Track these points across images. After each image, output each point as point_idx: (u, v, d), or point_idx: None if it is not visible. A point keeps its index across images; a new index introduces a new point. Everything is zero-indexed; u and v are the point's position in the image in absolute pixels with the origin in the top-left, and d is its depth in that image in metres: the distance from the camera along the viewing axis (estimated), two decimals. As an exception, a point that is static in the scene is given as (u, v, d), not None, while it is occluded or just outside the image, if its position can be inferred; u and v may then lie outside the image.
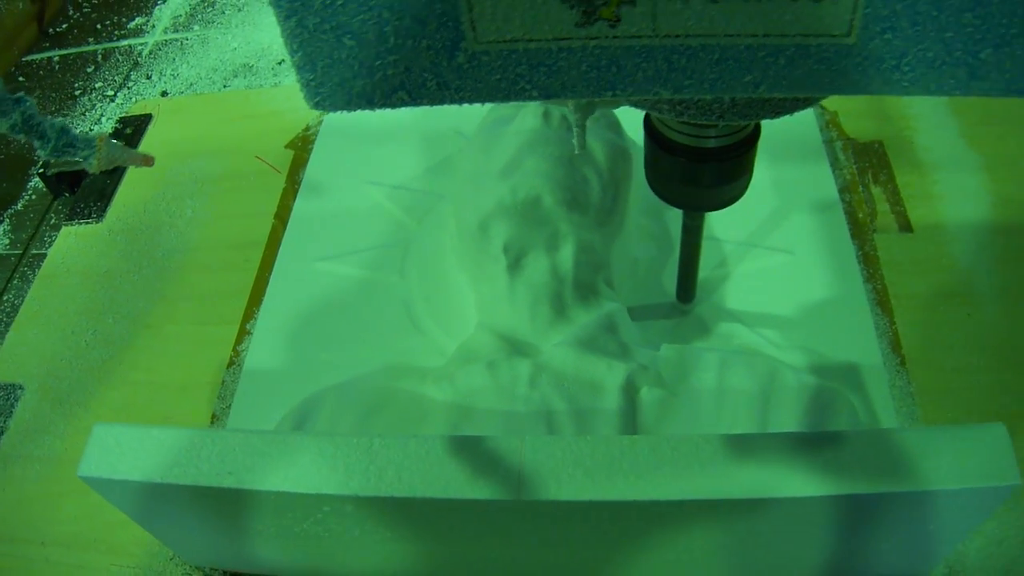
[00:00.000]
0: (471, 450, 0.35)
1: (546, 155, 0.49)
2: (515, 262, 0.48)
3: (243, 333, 0.60)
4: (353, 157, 0.69)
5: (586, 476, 0.34)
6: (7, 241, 0.74)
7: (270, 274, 0.63)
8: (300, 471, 0.36)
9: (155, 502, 0.40)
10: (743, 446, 0.35)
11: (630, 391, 0.44)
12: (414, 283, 0.58)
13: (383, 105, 0.25)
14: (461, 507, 0.35)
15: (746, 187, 0.41)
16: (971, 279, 0.59)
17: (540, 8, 0.21)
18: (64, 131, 0.41)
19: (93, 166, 0.45)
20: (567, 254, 0.48)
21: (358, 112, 0.76)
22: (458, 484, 0.35)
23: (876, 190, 0.66)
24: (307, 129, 0.75)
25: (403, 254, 0.61)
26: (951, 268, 0.60)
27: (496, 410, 0.43)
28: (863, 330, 0.55)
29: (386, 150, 0.69)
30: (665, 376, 0.46)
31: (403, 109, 0.78)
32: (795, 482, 0.34)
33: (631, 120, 0.53)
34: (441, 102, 0.25)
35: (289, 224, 0.65)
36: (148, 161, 0.50)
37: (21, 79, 0.91)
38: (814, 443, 0.35)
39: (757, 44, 0.22)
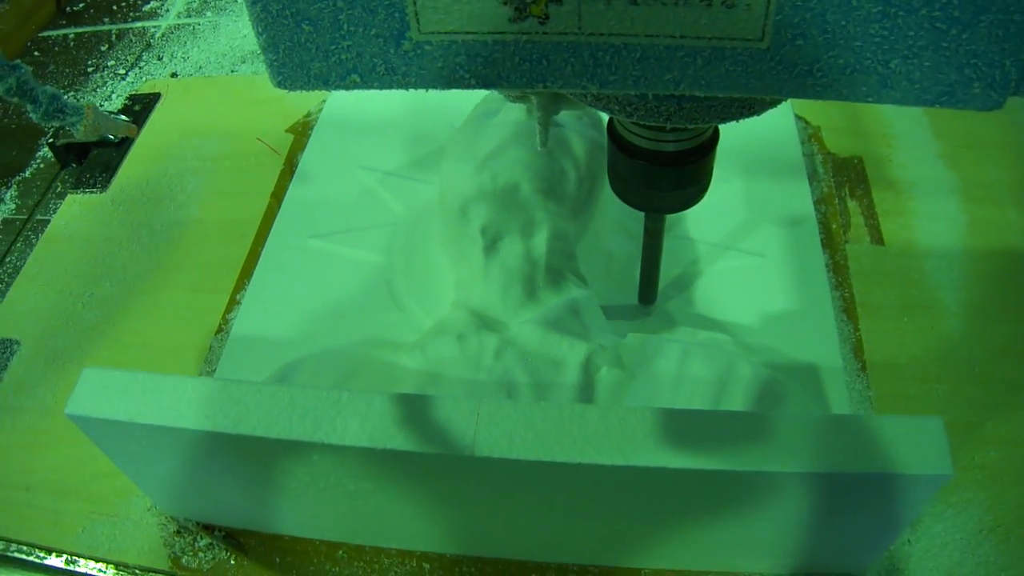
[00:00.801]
0: (432, 408, 0.38)
1: (527, 146, 0.51)
2: (491, 244, 0.51)
3: (233, 303, 0.63)
4: (349, 144, 0.72)
5: (536, 438, 0.37)
6: (14, 206, 0.76)
7: (262, 248, 0.65)
8: (272, 418, 0.38)
9: (135, 444, 0.42)
10: (687, 420, 0.37)
11: (589, 369, 0.46)
12: (398, 263, 0.61)
13: (337, 86, 0.27)
14: (419, 461, 0.38)
15: (703, 192, 0.42)
16: (937, 293, 0.62)
17: (477, 3, 0.24)
18: (55, 98, 0.44)
19: (80, 132, 0.47)
20: (541, 240, 0.51)
21: (356, 103, 0.78)
22: (417, 438, 0.37)
23: (852, 204, 0.68)
24: (308, 115, 0.78)
25: (389, 236, 0.63)
26: (919, 282, 0.63)
27: (462, 378, 0.46)
28: (825, 334, 0.57)
29: (381, 139, 0.72)
30: (626, 361, 0.48)
31: (399, 102, 0.80)
32: (729, 456, 0.36)
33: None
34: (390, 86, 0.27)
35: (284, 203, 0.68)
36: (132, 131, 0.53)
37: (36, 54, 0.94)
38: (754, 422, 0.38)
39: (675, 45, 0.24)
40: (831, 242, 0.65)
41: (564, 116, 0.55)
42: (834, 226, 0.66)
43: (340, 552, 0.50)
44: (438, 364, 0.47)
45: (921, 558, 0.49)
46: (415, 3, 0.24)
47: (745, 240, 0.63)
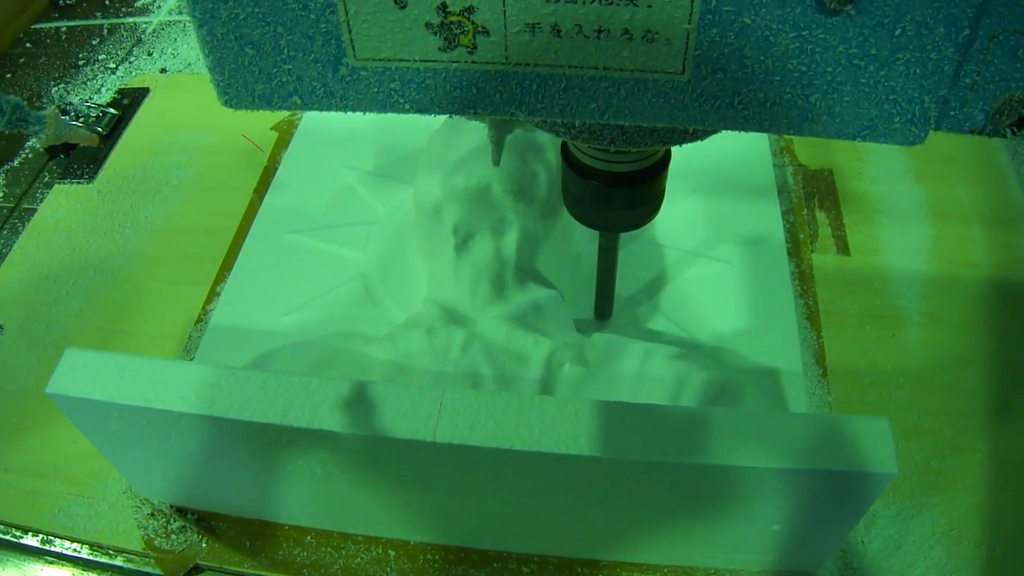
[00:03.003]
0: (398, 396, 0.39)
1: (502, 147, 0.53)
2: (463, 243, 0.52)
3: (213, 294, 0.64)
4: (331, 144, 0.73)
5: (496, 426, 0.38)
6: (1, 195, 0.77)
7: (243, 242, 0.66)
8: (244, 401, 0.40)
9: (114, 424, 0.43)
10: (641, 413, 0.39)
11: (552, 365, 0.48)
12: (374, 260, 0.62)
13: (280, 107, 0.28)
14: (384, 445, 0.39)
15: (655, 212, 0.43)
16: (899, 303, 0.64)
17: (408, 33, 0.25)
18: (19, 107, 0.45)
19: (42, 140, 0.48)
20: (511, 240, 0.52)
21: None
22: (382, 424, 0.38)
23: (820, 215, 0.70)
24: (293, 114, 0.79)
25: (368, 233, 0.65)
26: (882, 292, 0.64)
27: (429, 370, 0.47)
28: (787, 340, 0.59)
29: (362, 140, 0.74)
30: (590, 359, 0.50)
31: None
32: (680, 449, 0.38)
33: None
34: (329, 109, 0.28)
35: (265, 199, 0.69)
36: (93, 140, 0.54)
37: (29, 45, 0.95)
38: (707, 416, 0.39)
39: (599, 76, 0.25)
40: (797, 251, 0.67)
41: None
42: (801, 236, 0.68)
43: (308, 537, 0.52)
44: (407, 356, 0.48)
45: (874, 558, 0.50)
46: (350, 31, 0.25)
47: (713, 248, 0.65)
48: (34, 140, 0.46)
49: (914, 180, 0.73)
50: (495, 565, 0.50)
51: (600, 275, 0.51)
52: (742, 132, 0.27)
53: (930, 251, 0.67)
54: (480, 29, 0.24)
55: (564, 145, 0.41)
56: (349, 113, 0.79)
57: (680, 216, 0.66)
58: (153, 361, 0.42)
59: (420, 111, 0.27)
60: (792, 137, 0.76)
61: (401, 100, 0.27)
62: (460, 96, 0.26)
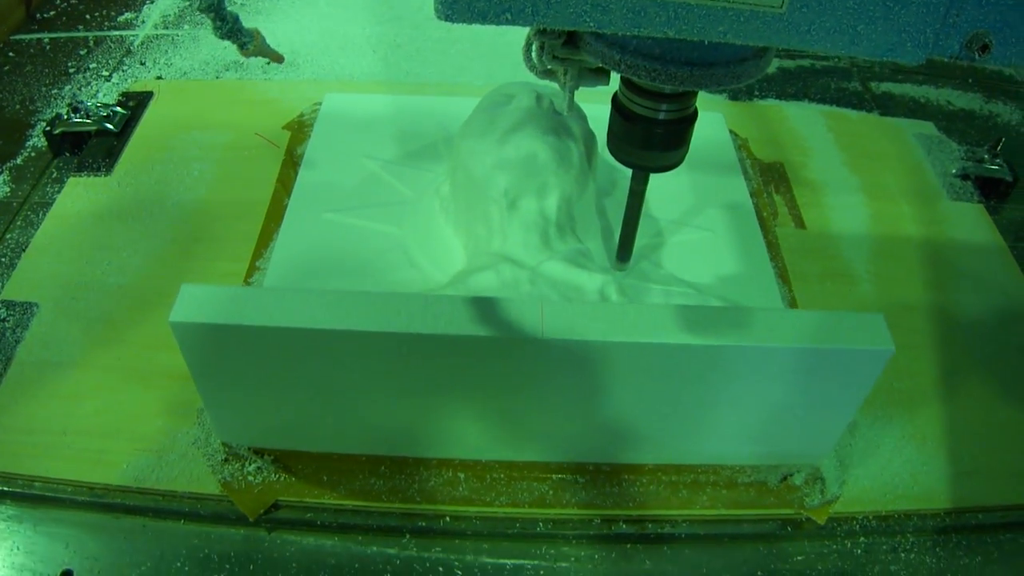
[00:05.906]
0: (504, 306, 0.46)
1: (541, 124, 0.61)
2: (512, 203, 0.60)
3: (253, 269, 0.69)
4: (348, 138, 0.80)
5: (589, 325, 0.46)
6: (8, 190, 0.79)
7: (276, 224, 0.71)
8: (371, 316, 0.46)
9: (227, 350, 0.48)
10: (696, 312, 0.48)
11: (604, 295, 0.56)
12: (409, 232, 0.69)
13: (491, 22, 0.36)
14: (495, 347, 0.46)
15: (683, 157, 0.53)
16: (850, 265, 0.76)
17: None
18: (237, 19, 0.53)
19: (250, 51, 0.56)
20: (552, 201, 0.60)
21: (351, 104, 0.87)
22: (496, 326, 0.45)
23: (777, 197, 0.82)
24: (301, 115, 0.85)
25: (399, 212, 0.71)
26: (836, 256, 0.77)
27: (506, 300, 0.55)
28: (769, 291, 0.69)
29: (376, 135, 0.80)
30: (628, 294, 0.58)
31: (389, 105, 0.89)
32: (730, 335, 0.47)
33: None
34: (531, 23, 0.37)
35: (295, 186, 0.74)
36: (279, 58, 0.62)
37: (11, 55, 0.97)
38: (745, 313, 0.48)
39: (728, 7, 0.35)
40: (763, 226, 0.78)
41: (561, 109, 0.66)
42: (765, 214, 0.79)
43: (382, 467, 0.57)
44: (481, 292, 0.55)
45: (860, 456, 0.61)
46: None
47: (697, 219, 0.75)
48: (242, 49, 0.54)
49: (850, 171, 0.86)
50: (554, 477, 0.57)
51: (627, 218, 0.60)
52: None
53: (869, 225, 0.80)
54: None
55: (615, 98, 0.50)
56: (359, 112, 0.85)
57: (667, 194, 0.76)
58: (272, 290, 0.48)
59: (600, 28, 0.36)
60: (747, 136, 0.88)
61: (587, 19, 0.35)
62: (632, 19, 0.35)
